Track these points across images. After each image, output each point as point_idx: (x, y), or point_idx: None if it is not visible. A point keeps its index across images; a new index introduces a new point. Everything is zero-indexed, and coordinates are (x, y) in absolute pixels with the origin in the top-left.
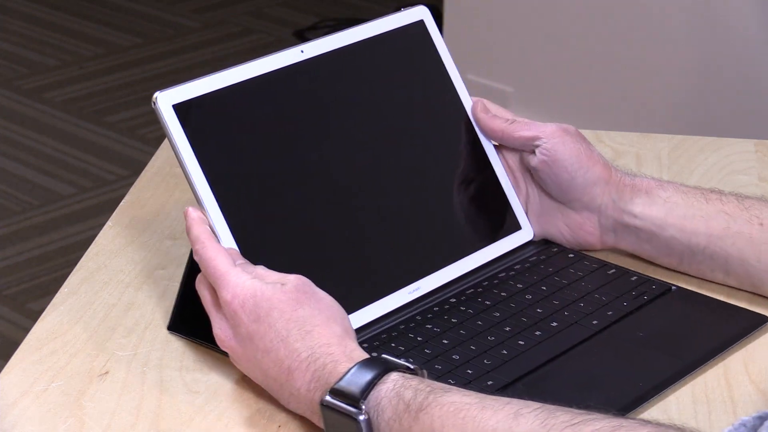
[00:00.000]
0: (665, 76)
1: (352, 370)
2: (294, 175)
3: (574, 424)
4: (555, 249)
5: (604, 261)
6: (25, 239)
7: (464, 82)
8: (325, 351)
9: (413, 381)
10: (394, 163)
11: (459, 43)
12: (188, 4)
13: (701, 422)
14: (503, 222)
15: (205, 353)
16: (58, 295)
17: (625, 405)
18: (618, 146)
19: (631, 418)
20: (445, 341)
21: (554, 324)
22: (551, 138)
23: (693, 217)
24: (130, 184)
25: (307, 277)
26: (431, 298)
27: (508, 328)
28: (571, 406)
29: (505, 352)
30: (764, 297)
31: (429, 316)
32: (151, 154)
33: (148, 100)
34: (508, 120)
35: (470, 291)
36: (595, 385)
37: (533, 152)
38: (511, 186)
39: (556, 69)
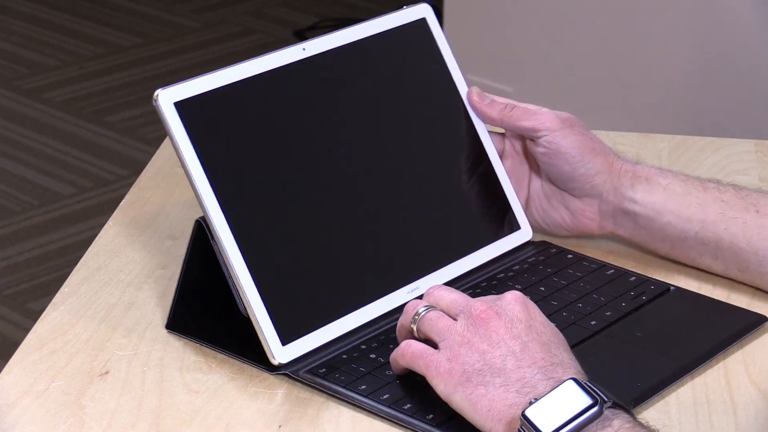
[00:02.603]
0: (665, 76)
1: (603, 390)
2: (294, 173)
3: None
4: (554, 250)
5: (603, 261)
6: (25, 239)
7: (465, 80)
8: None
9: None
10: (393, 163)
11: (459, 43)
12: (188, 4)
13: (701, 423)
14: (503, 221)
15: (205, 353)
16: (58, 295)
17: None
18: (618, 146)
19: None
20: None
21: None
22: (552, 131)
23: (689, 205)
24: (130, 184)
25: (306, 276)
26: None
27: None
28: None
29: None
30: (763, 296)
31: None
32: (151, 154)
33: (148, 100)
34: (507, 106)
35: (468, 292)
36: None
37: (534, 141)
38: (511, 185)
39: (556, 69)
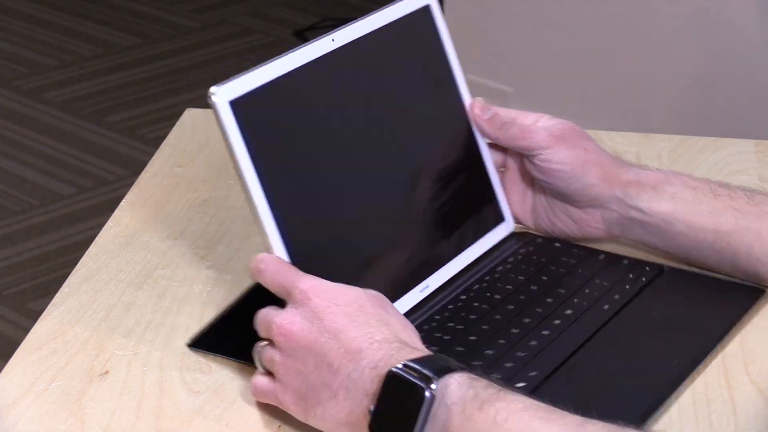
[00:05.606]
0: (665, 76)
1: (429, 357)
2: (335, 173)
3: None
4: (539, 240)
5: (592, 247)
6: (25, 239)
7: (462, 68)
8: (402, 338)
9: (484, 381)
10: (399, 160)
11: (459, 43)
12: (188, 4)
13: (701, 423)
14: (492, 214)
15: (205, 353)
16: (58, 295)
17: (668, 384)
18: (618, 146)
19: None
20: (473, 337)
21: (569, 312)
22: (544, 149)
23: (701, 213)
24: (130, 184)
25: (337, 281)
26: (439, 297)
27: (527, 320)
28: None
29: (534, 342)
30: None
31: (446, 314)
32: (151, 154)
33: (148, 100)
34: (504, 124)
35: (476, 287)
36: (633, 368)
37: (529, 159)
38: (498, 178)
39: (556, 69)
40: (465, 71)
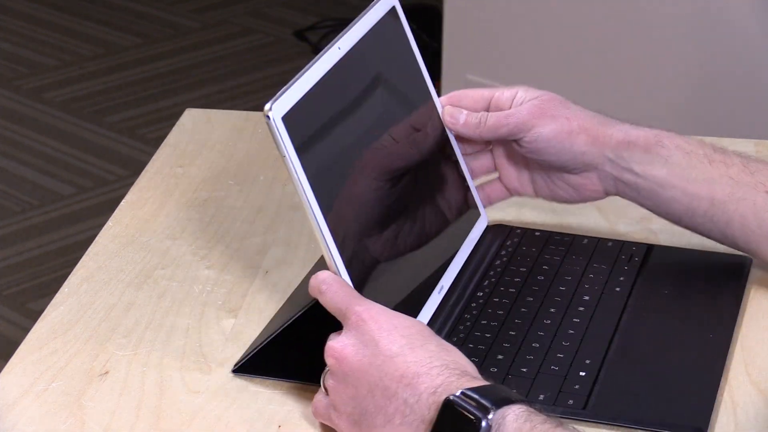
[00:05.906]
0: (665, 76)
1: (488, 386)
2: (372, 181)
3: None
4: (519, 230)
5: (573, 234)
6: (25, 239)
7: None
8: (462, 365)
9: (542, 416)
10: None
11: (459, 43)
12: (188, 4)
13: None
14: (473, 210)
15: (205, 354)
16: (58, 295)
17: (716, 357)
18: None
19: None
20: (513, 332)
21: (586, 298)
22: (528, 129)
23: (695, 180)
24: (130, 184)
25: (388, 292)
26: (455, 297)
27: (552, 310)
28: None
29: (572, 332)
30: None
31: (474, 313)
32: (151, 154)
33: (148, 100)
34: (480, 120)
35: (486, 282)
36: (676, 342)
37: (516, 142)
38: (470, 174)
39: (557, 69)
40: (465, 71)
